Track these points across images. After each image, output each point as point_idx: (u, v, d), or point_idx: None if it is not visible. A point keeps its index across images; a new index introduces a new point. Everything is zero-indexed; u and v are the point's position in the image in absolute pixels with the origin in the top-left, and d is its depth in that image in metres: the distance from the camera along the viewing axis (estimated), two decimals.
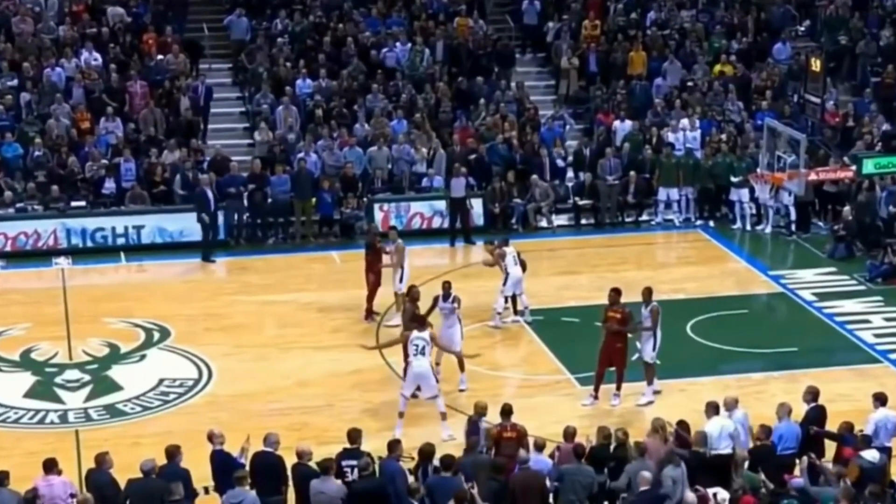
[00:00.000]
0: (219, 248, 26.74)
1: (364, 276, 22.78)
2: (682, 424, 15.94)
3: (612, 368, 19.37)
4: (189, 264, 26.36)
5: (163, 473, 14.54)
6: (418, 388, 18.38)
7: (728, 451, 15.53)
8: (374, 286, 22.72)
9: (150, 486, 14.37)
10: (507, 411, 16.11)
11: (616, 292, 19.46)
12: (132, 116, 29.50)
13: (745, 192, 28.24)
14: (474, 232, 27.58)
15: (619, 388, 19.41)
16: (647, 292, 19.50)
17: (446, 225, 27.95)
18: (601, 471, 14.99)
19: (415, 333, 18.46)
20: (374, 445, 15.50)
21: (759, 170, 26.36)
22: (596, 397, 19.45)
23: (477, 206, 28.13)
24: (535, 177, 28.64)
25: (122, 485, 14.55)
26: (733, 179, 28.29)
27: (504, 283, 22.43)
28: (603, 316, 19.43)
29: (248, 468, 14.74)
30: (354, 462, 14.80)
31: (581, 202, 28.99)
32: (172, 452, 14.83)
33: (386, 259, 22.54)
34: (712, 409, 16.04)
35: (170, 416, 19.30)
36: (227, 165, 27.72)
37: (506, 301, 22.58)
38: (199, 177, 26.87)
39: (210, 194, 26.37)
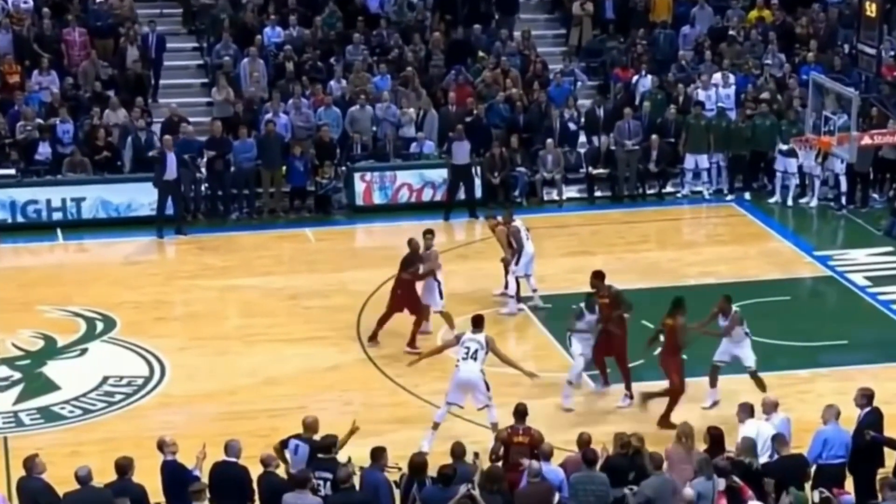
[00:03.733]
0: (171, 224, 26.67)
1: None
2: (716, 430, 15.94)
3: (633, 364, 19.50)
4: (137, 243, 26.38)
5: (113, 491, 14.44)
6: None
7: (767, 458, 15.53)
8: (397, 309, 21.42)
9: (92, 497, 14.29)
10: (521, 412, 16.16)
11: (597, 276, 19.66)
12: (70, 70, 29.42)
13: (793, 162, 28.17)
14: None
15: (628, 388, 19.54)
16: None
17: (438, 198, 27.96)
18: (620, 483, 14.96)
19: (467, 335, 18.37)
20: (354, 453, 15.46)
21: (805, 133, 26.30)
22: (631, 396, 19.55)
23: None
24: (550, 141, 28.61)
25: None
26: (782, 147, 28.17)
27: (517, 263, 22.42)
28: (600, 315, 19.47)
29: (206, 481, 14.71)
30: (329, 474, 14.78)
31: (595, 171, 28.98)
32: (124, 466, 14.72)
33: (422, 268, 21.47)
34: (746, 410, 16.09)
35: (115, 419, 19.29)
36: (183, 128, 27.63)
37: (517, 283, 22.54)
38: (164, 139, 26.68)
39: (172, 159, 26.26)
